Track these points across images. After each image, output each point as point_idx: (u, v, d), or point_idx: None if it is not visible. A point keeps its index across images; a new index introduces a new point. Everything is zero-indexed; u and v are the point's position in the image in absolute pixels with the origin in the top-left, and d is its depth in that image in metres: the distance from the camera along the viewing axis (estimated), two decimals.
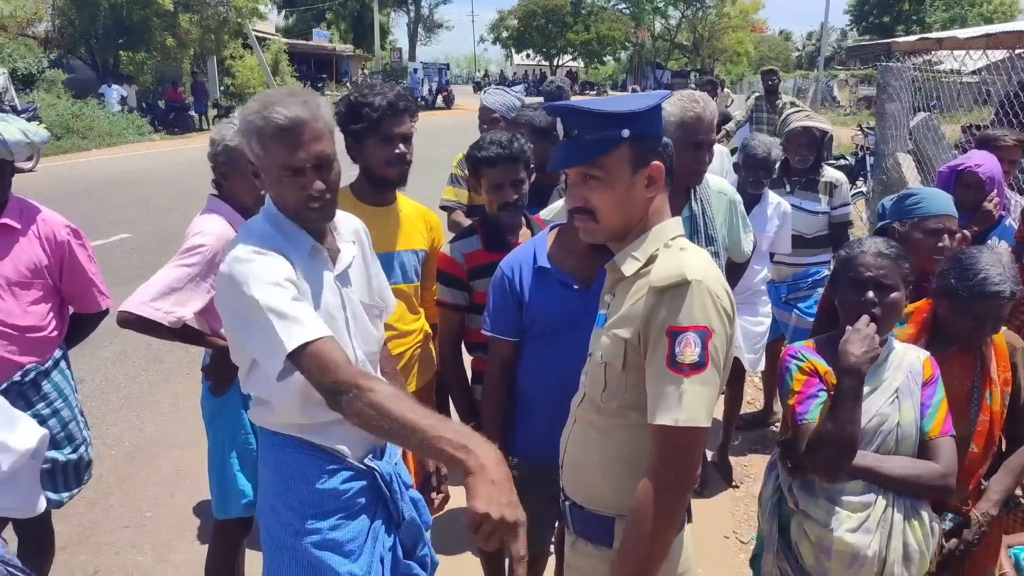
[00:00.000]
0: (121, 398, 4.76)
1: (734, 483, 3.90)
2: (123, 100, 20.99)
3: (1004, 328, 2.20)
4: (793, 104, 8.06)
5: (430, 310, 2.61)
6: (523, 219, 2.48)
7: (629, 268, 1.54)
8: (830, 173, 4.09)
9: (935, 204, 2.43)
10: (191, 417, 4.47)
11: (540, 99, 5.32)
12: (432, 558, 2.02)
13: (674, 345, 1.40)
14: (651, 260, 1.52)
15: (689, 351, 1.40)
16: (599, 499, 1.61)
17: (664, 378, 1.42)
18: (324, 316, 1.64)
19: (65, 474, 2.57)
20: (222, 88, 26.38)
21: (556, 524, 2.46)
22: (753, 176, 3.58)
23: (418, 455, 1.84)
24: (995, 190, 3.04)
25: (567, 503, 1.69)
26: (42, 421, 2.42)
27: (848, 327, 1.85)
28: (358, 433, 1.73)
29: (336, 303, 1.73)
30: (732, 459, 4.02)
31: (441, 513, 2.36)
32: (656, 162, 1.52)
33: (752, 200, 3.57)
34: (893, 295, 1.88)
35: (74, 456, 2.59)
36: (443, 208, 3.62)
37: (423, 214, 2.59)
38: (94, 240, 8.67)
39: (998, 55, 7.94)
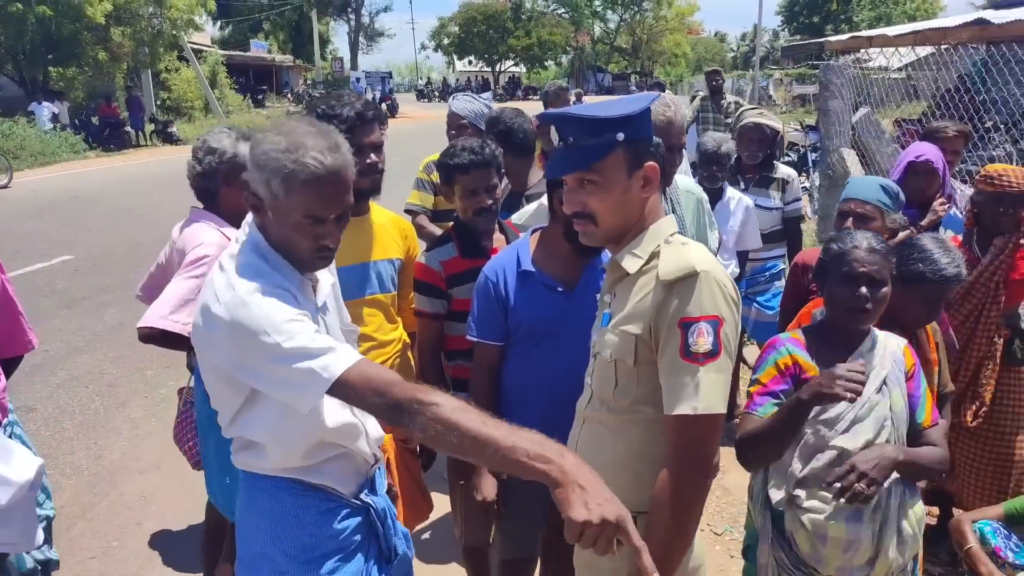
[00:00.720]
0: (76, 425, 4.60)
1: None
2: (55, 117, 20.26)
3: None
4: (738, 104, 8.28)
5: (407, 319, 2.60)
6: (496, 225, 2.49)
7: (632, 265, 1.57)
8: (782, 169, 4.20)
9: (850, 188, 2.65)
10: (151, 441, 4.36)
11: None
12: None
13: (687, 336, 1.43)
14: (653, 257, 1.55)
15: (702, 340, 1.43)
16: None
17: (679, 369, 1.45)
18: None
19: (48, 532, 2.36)
20: (158, 102, 25.71)
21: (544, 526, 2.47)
22: (707, 171, 3.67)
23: (494, 469, 1.74)
24: (945, 179, 3.19)
25: None
26: None
27: (838, 367, 1.79)
28: (352, 468, 1.72)
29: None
30: None
31: (425, 523, 2.35)
32: (651, 163, 1.55)
33: (713, 196, 3.65)
34: (883, 290, 1.95)
35: (52, 512, 2.38)
36: (407, 212, 3.62)
37: (397, 223, 2.58)
38: (36, 263, 8.45)
39: (924, 51, 8.29)
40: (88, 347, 5.84)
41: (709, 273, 1.47)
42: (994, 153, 6.61)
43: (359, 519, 1.73)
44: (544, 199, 2.70)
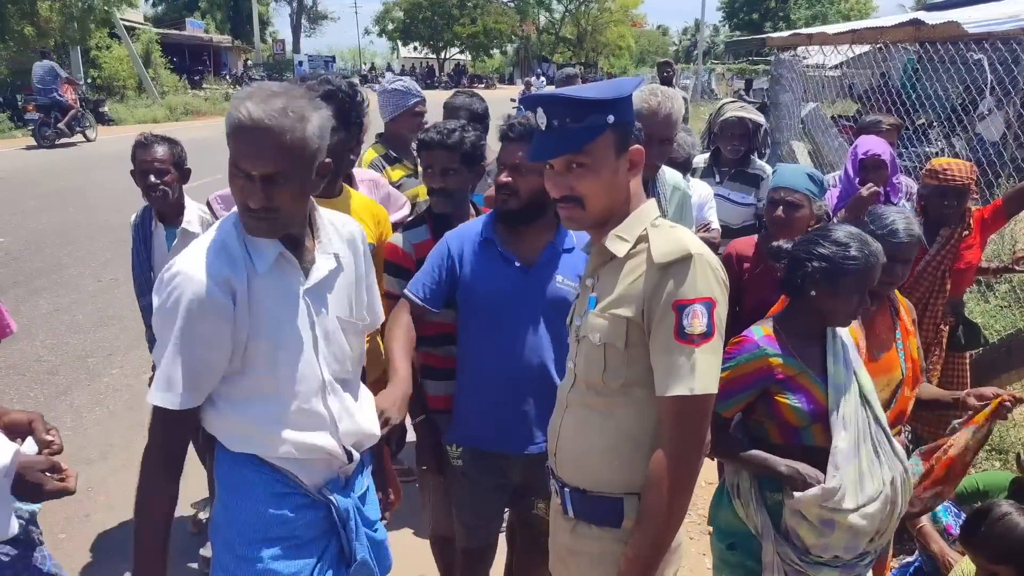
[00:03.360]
0: None
1: None
2: None
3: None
4: (684, 99, 8.39)
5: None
6: (471, 208, 2.47)
7: (620, 249, 1.57)
8: (758, 164, 4.14)
9: (778, 177, 2.76)
10: (97, 431, 4.21)
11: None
12: None
13: (681, 317, 1.45)
14: (640, 240, 1.56)
15: (697, 322, 1.45)
16: (605, 481, 1.62)
17: (674, 350, 1.46)
18: (281, 331, 1.57)
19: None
20: (88, 81, 24.61)
21: (506, 514, 2.46)
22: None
23: None
24: (894, 169, 3.31)
25: (565, 489, 1.69)
26: None
27: (805, 477, 1.93)
28: (319, 460, 1.68)
29: (303, 320, 1.62)
30: None
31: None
32: (637, 146, 1.56)
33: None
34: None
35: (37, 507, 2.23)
36: None
37: (370, 207, 2.54)
38: None
39: (859, 50, 8.59)
40: (23, 334, 5.58)
41: (702, 256, 1.49)
42: (930, 149, 6.90)
43: (318, 514, 1.69)
44: None
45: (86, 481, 3.69)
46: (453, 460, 2.25)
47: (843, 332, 2.07)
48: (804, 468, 1.94)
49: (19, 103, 20.23)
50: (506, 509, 2.41)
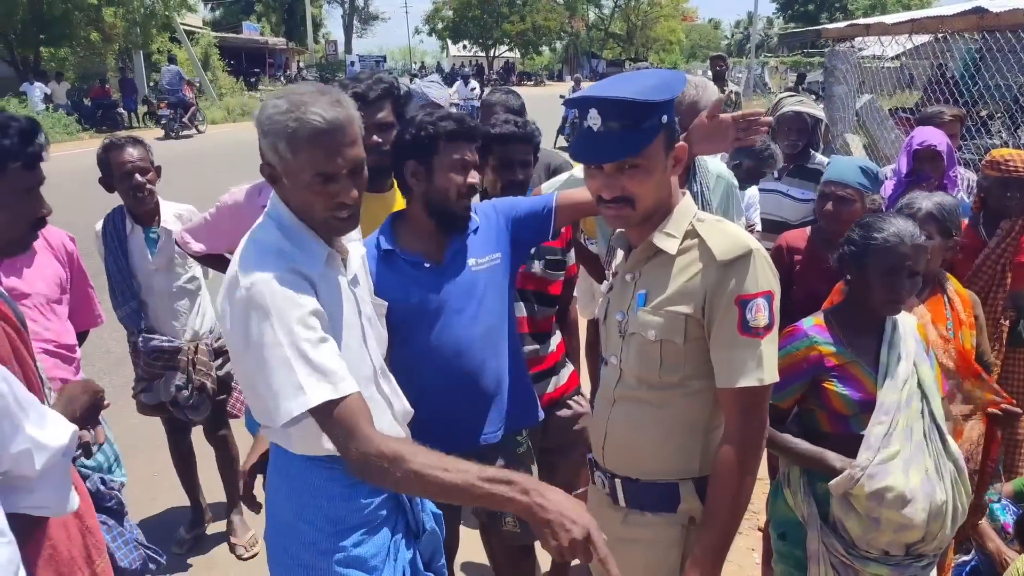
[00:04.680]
0: None
1: None
2: (47, 98, 20.08)
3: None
4: (737, 95, 8.23)
5: None
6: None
7: (669, 245, 1.58)
8: (818, 160, 4.02)
9: (830, 171, 2.72)
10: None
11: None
12: (445, 571, 1.99)
13: (745, 312, 1.49)
14: (687, 236, 1.58)
15: (761, 315, 1.49)
16: (659, 469, 1.65)
17: (739, 344, 1.50)
18: (343, 328, 1.59)
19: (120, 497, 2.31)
20: (150, 84, 25.48)
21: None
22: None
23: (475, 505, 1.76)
24: (951, 160, 3.24)
25: (616, 480, 1.72)
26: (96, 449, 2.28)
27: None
28: None
29: (352, 310, 1.65)
30: None
31: None
32: (681, 143, 1.58)
33: None
34: (918, 278, 2.00)
35: (124, 478, 2.36)
36: None
37: (388, 198, 2.56)
38: None
39: (919, 40, 8.34)
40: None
41: (760, 251, 1.53)
42: (992, 142, 6.67)
43: (385, 495, 1.74)
44: (577, 170, 2.70)
45: (152, 467, 3.87)
46: None
47: (909, 325, 2.05)
48: (832, 456, 1.96)
49: (87, 104, 21.12)
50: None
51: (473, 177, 2.04)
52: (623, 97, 1.49)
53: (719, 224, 1.59)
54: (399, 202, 2.52)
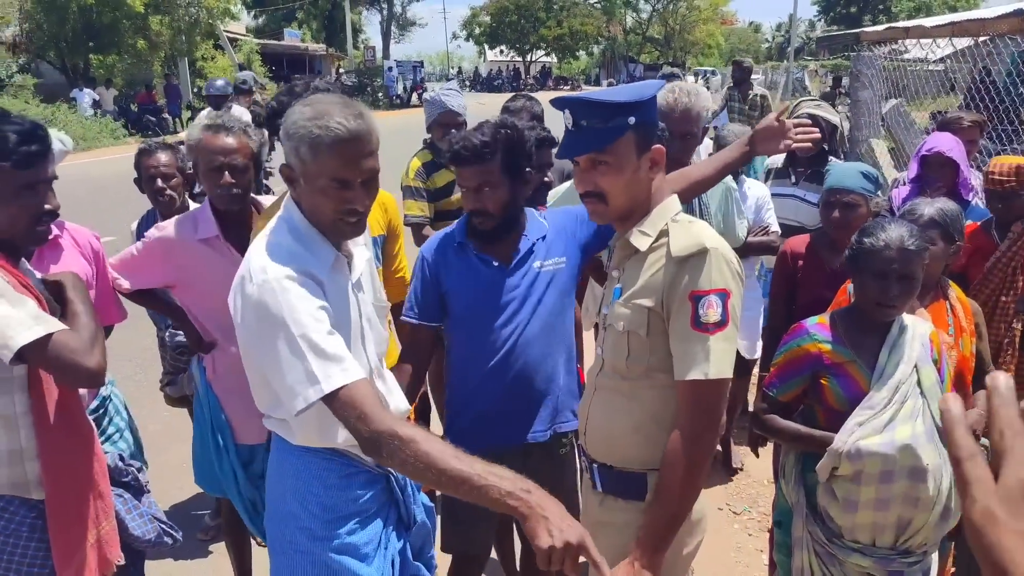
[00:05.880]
0: None
1: (737, 466, 4.02)
2: (95, 103, 20.77)
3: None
4: (764, 97, 8.19)
5: (391, 290, 2.64)
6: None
7: (642, 243, 1.67)
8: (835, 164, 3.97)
9: (832, 179, 2.75)
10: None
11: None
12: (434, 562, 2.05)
13: (697, 307, 1.55)
14: (661, 235, 1.65)
15: (712, 312, 1.55)
16: (631, 458, 1.73)
17: (690, 338, 1.57)
18: (344, 328, 1.64)
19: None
20: (194, 90, 26.15)
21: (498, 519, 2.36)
22: None
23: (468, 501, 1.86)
24: (963, 168, 3.22)
25: (594, 465, 1.81)
26: (118, 437, 2.42)
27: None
28: None
29: (354, 312, 1.72)
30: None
31: None
32: (658, 146, 1.65)
33: None
34: (913, 283, 2.01)
35: (142, 464, 2.49)
36: (408, 225, 3.46)
37: (380, 197, 2.66)
38: None
39: (963, 43, 8.20)
40: (130, 323, 6.05)
41: (717, 250, 1.58)
42: None
43: (379, 486, 1.82)
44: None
45: (181, 459, 4.02)
46: None
47: (920, 330, 2.07)
48: (818, 433, 2.04)
49: (134, 110, 21.76)
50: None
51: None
52: (587, 98, 1.64)
53: (689, 224, 1.66)
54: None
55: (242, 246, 2.32)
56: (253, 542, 3.44)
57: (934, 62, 8.68)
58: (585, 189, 1.69)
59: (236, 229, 2.42)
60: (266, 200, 2.58)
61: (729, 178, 2.90)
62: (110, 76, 23.47)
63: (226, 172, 2.35)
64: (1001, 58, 7.56)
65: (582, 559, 1.34)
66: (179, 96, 23.62)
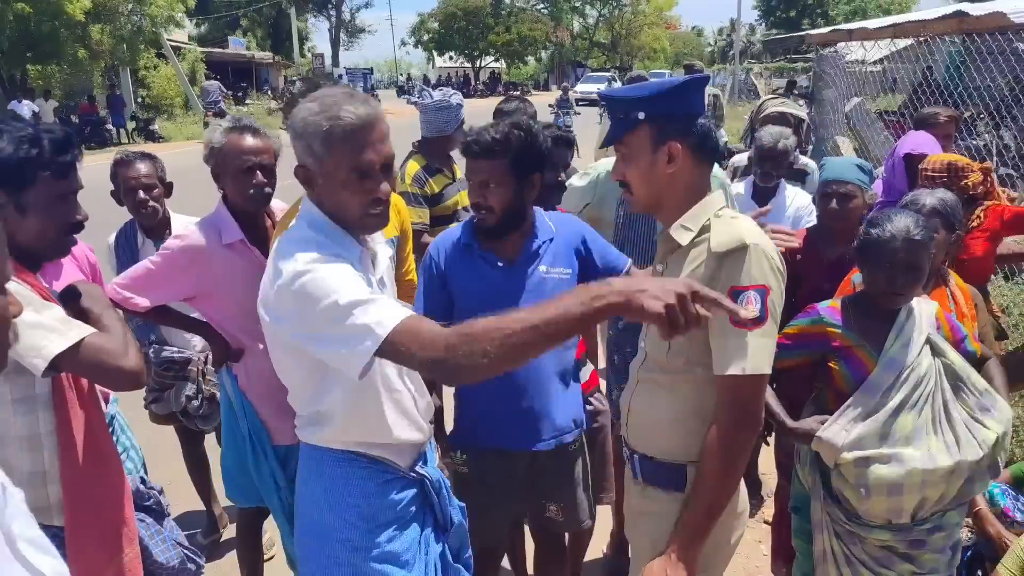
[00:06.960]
0: None
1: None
2: (35, 116, 20.03)
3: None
4: (716, 97, 8.39)
5: (401, 293, 2.60)
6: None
7: (684, 238, 1.69)
8: (802, 160, 4.09)
9: (828, 171, 2.83)
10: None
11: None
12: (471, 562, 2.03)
13: (737, 303, 1.54)
14: (704, 230, 1.67)
15: (751, 307, 1.56)
16: (671, 450, 1.74)
17: (729, 333, 1.58)
18: None
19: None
20: (138, 100, 25.47)
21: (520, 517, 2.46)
22: (760, 168, 3.58)
23: (567, 340, 1.62)
24: None
25: (635, 456, 1.83)
26: (126, 456, 2.35)
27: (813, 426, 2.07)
28: (407, 443, 1.77)
29: None
30: None
31: None
32: (672, 142, 1.65)
33: (768, 192, 3.59)
34: (919, 273, 2.05)
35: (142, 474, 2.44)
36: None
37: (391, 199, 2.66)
38: None
39: (902, 44, 8.53)
40: None
41: (758, 246, 1.60)
42: (977, 142, 6.83)
43: (415, 491, 1.80)
44: (574, 179, 2.81)
45: (169, 474, 3.89)
46: (459, 468, 2.28)
47: (926, 311, 2.12)
48: (805, 424, 2.10)
49: (75, 121, 21.06)
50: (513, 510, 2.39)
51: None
52: (607, 94, 1.76)
53: (731, 220, 1.67)
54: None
55: (263, 249, 2.31)
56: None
57: (872, 63, 9.00)
58: (616, 177, 1.77)
59: (255, 232, 2.40)
60: (277, 206, 2.55)
61: (723, 173, 2.96)
62: (48, 87, 22.68)
63: (258, 172, 2.34)
64: (935, 58, 7.89)
65: None
66: (123, 106, 22.94)
